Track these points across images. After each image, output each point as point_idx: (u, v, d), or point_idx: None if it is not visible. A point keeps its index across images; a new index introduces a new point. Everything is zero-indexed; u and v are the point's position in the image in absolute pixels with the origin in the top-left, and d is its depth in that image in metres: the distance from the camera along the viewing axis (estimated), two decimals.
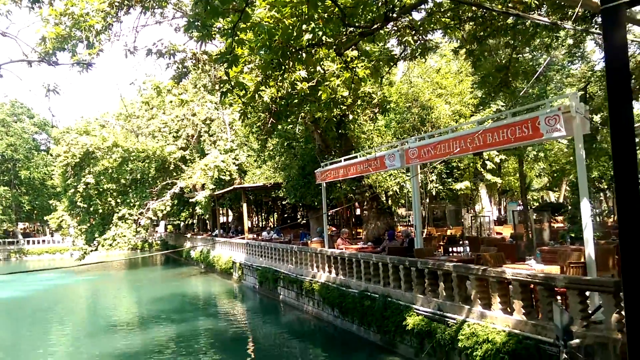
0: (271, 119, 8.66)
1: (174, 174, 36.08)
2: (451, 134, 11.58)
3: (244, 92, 7.23)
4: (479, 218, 24.61)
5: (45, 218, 47.97)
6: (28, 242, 58.49)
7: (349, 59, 8.00)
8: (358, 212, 30.61)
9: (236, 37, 6.17)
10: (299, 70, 7.79)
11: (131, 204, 33.53)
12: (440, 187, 21.04)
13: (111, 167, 33.17)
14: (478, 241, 15.34)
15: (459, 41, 13.95)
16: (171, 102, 27.73)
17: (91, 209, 34.27)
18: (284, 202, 34.73)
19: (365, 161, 14.85)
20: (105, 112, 41.27)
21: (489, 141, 9.82)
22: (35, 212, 58.81)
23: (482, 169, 21.97)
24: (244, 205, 29.63)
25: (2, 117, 56.82)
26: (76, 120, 42.23)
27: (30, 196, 57.74)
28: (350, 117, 19.21)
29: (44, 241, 58.85)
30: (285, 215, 40.40)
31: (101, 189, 33.97)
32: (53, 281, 33.49)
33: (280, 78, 7.55)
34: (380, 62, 9.29)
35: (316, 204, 22.22)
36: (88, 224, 34.78)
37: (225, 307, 21.83)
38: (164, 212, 35.13)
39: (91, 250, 34.42)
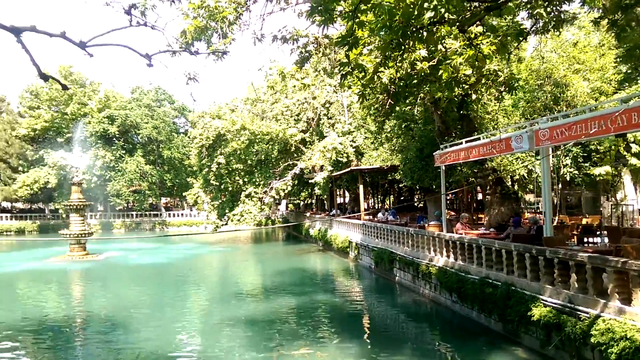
0: (389, 100, 8.64)
1: (295, 155, 37.72)
2: (589, 113, 10.52)
3: (363, 73, 7.31)
4: (621, 207, 22.07)
5: (183, 194, 53.38)
6: (169, 214, 65.74)
7: (473, 36, 7.64)
8: (480, 196, 29.28)
9: (357, 19, 6.25)
10: (419, 49, 7.63)
11: (256, 183, 35.90)
12: (576, 171, 19.23)
13: (239, 148, 35.69)
14: (619, 232, 13.81)
15: (600, 11, 12.46)
16: (294, 86, 28.87)
17: (222, 186, 37.41)
18: (400, 185, 34.49)
19: (489, 143, 14.12)
20: (235, 97, 44.30)
21: (635, 121, 8.77)
22: (175, 188, 65.52)
23: (625, 153, 19.60)
24: (361, 187, 30.00)
25: (148, 102, 63.84)
26: (209, 105, 45.96)
27: (171, 174, 64.38)
28: (474, 96, 18.28)
29: (182, 214, 65.74)
30: (402, 198, 40.10)
31: (230, 169, 36.84)
32: (190, 251, 37.27)
33: (399, 58, 7.48)
34: (508, 37, 8.71)
35: (434, 187, 21.73)
36: (219, 201, 38.05)
37: (342, 284, 22.51)
38: (286, 191, 37.03)
39: (222, 224, 37.64)
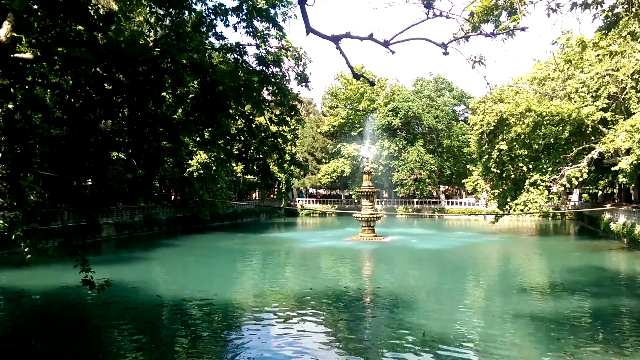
0: None
1: (592, 137, 32.83)
2: None
3: None
4: None
5: (462, 182, 53.27)
6: (448, 202, 66.72)
7: None
8: None
9: None
10: None
11: (543, 170, 32.84)
12: None
13: (523, 132, 33.25)
14: None
15: None
16: (597, 56, 24.89)
17: (503, 174, 35.64)
18: None
19: None
20: (519, 78, 41.46)
21: None
22: (453, 176, 66.07)
23: None
24: None
25: (429, 93, 65.91)
26: (491, 88, 44.20)
27: (450, 162, 65.18)
28: None
29: (461, 202, 65.82)
30: None
31: (513, 155, 34.70)
32: (467, 239, 37.06)
33: None
34: None
35: None
36: (500, 189, 36.40)
37: None
38: (579, 179, 32.67)
39: (503, 214, 35.96)
